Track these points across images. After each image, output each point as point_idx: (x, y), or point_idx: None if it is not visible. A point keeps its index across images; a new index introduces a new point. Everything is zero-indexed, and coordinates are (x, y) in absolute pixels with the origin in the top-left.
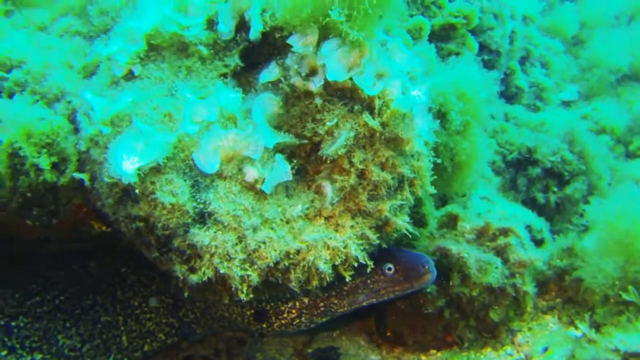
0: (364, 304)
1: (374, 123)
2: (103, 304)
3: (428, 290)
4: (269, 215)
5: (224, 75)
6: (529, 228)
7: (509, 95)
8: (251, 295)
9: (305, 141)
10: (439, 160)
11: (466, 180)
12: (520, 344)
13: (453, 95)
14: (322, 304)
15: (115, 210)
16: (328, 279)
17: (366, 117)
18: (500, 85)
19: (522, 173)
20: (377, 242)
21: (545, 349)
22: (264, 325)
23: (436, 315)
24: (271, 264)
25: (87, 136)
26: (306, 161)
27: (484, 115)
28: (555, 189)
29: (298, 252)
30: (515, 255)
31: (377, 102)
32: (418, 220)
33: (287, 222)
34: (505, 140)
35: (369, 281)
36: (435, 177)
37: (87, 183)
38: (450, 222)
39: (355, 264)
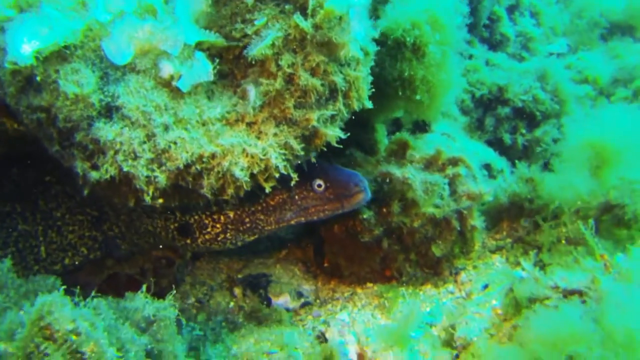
0: (292, 222)
1: (305, 24)
2: (22, 213)
3: (365, 216)
4: (184, 115)
5: None
6: (488, 167)
7: (494, 42)
8: (160, 201)
9: (234, 43)
10: (417, 97)
11: (440, 108)
12: (463, 282)
13: (428, 25)
14: (247, 219)
15: (17, 100)
16: (245, 187)
17: (297, 18)
18: (485, 31)
19: (490, 113)
20: (302, 153)
21: (486, 286)
22: (189, 241)
23: (374, 245)
24: (181, 167)
25: None
26: (234, 65)
27: (458, 42)
28: (523, 131)
29: (213, 156)
30: (464, 187)
31: (310, 3)
32: (369, 147)
33: (204, 124)
34: (477, 79)
35: (296, 197)
36: (409, 106)
37: None
38: (399, 151)
39: (277, 175)
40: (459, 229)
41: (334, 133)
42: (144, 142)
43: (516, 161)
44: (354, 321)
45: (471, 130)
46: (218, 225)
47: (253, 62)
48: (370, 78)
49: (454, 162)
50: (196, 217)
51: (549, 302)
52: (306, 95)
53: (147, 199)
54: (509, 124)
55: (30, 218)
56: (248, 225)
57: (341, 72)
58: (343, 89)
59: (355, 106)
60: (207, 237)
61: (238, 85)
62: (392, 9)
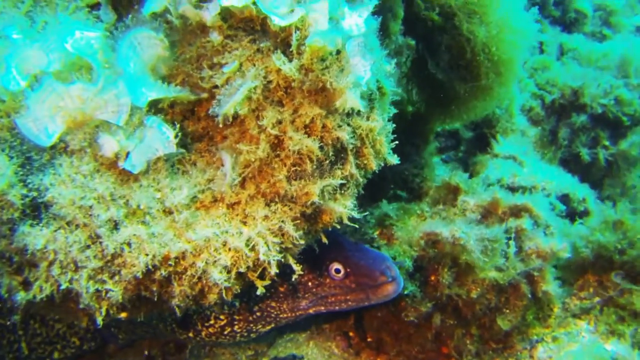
0: (311, 311)
1: (288, 68)
2: None
3: (407, 291)
4: (139, 204)
5: (94, 5)
6: (566, 198)
7: (567, 22)
8: (122, 315)
9: (205, 95)
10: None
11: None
12: (541, 359)
13: None
14: (256, 308)
15: None
16: (228, 292)
17: (277, 59)
18: (555, 9)
19: (565, 122)
20: (302, 241)
21: None
22: (191, 334)
23: (423, 321)
24: (139, 275)
25: None
26: (209, 124)
27: None
28: (606, 143)
29: (183, 255)
30: (531, 243)
31: (294, 37)
32: (414, 189)
33: (168, 212)
34: (546, 79)
35: (310, 284)
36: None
37: None
38: (449, 196)
39: (273, 271)
40: (529, 295)
41: (345, 210)
42: (87, 248)
43: (598, 201)
44: None
45: (543, 145)
46: (222, 317)
47: (230, 121)
48: (392, 126)
49: (517, 211)
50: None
51: None
52: (302, 162)
53: (99, 319)
54: (586, 135)
55: (4, 308)
56: (258, 314)
57: (348, 125)
58: (352, 146)
59: (374, 165)
60: (211, 330)
61: (217, 152)
62: None
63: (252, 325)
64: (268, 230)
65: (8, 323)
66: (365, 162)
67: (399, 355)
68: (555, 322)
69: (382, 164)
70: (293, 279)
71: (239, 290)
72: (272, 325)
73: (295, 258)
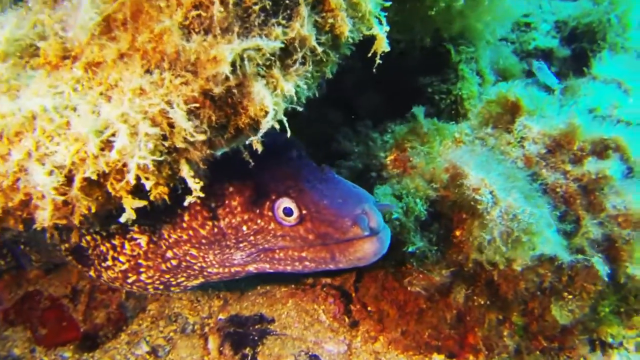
0: (251, 268)
1: None
2: None
3: (411, 248)
4: None
5: None
6: None
7: None
8: None
9: None
10: None
11: None
12: None
13: None
14: (170, 254)
15: None
16: (75, 211)
17: None
18: None
19: None
20: (202, 137)
21: None
22: (92, 274)
23: (439, 295)
24: None
25: None
26: None
27: None
28: None
29: None
30: (617, 200)
31: None
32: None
33: None
34: None
35: (245, 227)
36: None
37: None
38: (503, 117)
39: (150, 183)
40: (605, 276)
41: (273, 101)
42: None
43: None
44: None
45: None
46: (122, 259)
47: None
48: None
49: (602, 148)
50: (89, 238)
51: None
52: (209, 3)
53: None
54: None
55: None
56: (174, 262)
57: None
58: None
59: (346, 30)
60: (110, 274)
61: None
62: None
63: (168, 276)
64: (141, 112)
65: None
66: (332, 21)
67: (405, 337)
68: None
69: (360, 33)
70: (186, 203)
71: (93, 210)
72: (201, 280)
73: (196, 169)
